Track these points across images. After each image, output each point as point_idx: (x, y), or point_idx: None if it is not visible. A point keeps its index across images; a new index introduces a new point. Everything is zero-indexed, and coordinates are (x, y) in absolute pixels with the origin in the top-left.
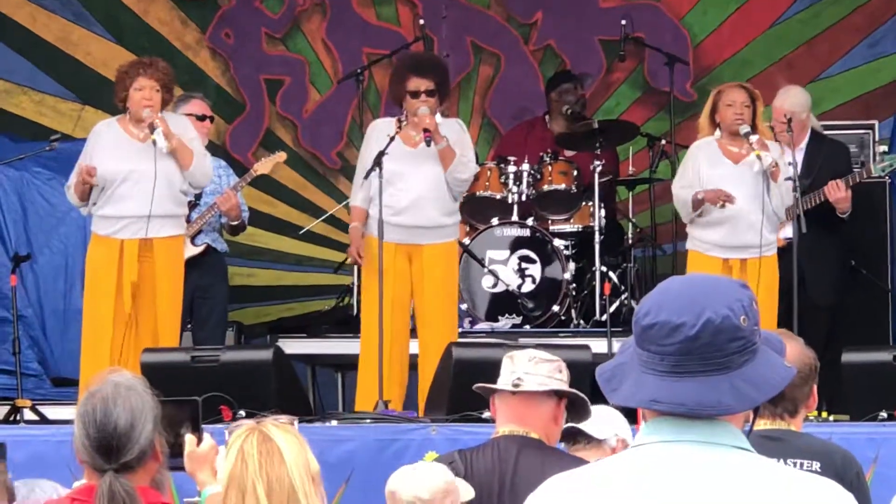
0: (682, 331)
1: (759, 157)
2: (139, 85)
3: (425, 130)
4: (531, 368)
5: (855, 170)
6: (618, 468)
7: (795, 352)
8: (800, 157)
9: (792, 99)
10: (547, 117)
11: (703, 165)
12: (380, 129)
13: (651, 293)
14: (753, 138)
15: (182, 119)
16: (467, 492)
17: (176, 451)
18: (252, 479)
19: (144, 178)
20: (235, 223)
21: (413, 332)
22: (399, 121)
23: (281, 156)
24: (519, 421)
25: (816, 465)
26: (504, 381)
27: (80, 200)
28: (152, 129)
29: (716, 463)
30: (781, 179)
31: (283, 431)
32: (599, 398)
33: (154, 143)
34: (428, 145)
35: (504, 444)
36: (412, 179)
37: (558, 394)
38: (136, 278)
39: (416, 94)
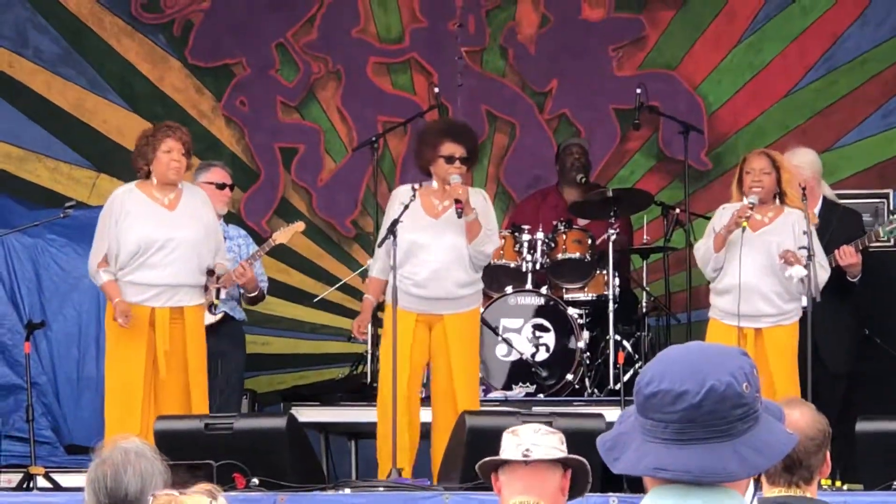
0: (685, 399)
1: (744, 227)
2: (167, 147)
3: (457, 201)
4: (538, 440)
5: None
6: None
7: (808, 418)
8: None
9: (799, 158)
10: (559, 186)
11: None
12: (397, 198)
13: (652, 361)
14: (750, 203)
15: (199, 193)
16: None
17: None
18: None
19: (178, 247)
20: (252, 294)
21: (426, 400)
22: (413, 188)
23: (299, 226)
24: (529, 491)
25: None
26: (512, 454)
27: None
28: (218, 293)
29: None
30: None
31: (193, 502)
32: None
33: (213, 307)
34: (459, 217)
35: None
36: (434, 250)
37: (564, 465)
38: (168, 347)
39: (451, 160)
